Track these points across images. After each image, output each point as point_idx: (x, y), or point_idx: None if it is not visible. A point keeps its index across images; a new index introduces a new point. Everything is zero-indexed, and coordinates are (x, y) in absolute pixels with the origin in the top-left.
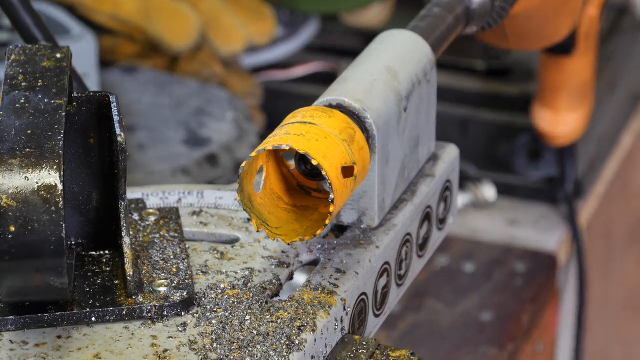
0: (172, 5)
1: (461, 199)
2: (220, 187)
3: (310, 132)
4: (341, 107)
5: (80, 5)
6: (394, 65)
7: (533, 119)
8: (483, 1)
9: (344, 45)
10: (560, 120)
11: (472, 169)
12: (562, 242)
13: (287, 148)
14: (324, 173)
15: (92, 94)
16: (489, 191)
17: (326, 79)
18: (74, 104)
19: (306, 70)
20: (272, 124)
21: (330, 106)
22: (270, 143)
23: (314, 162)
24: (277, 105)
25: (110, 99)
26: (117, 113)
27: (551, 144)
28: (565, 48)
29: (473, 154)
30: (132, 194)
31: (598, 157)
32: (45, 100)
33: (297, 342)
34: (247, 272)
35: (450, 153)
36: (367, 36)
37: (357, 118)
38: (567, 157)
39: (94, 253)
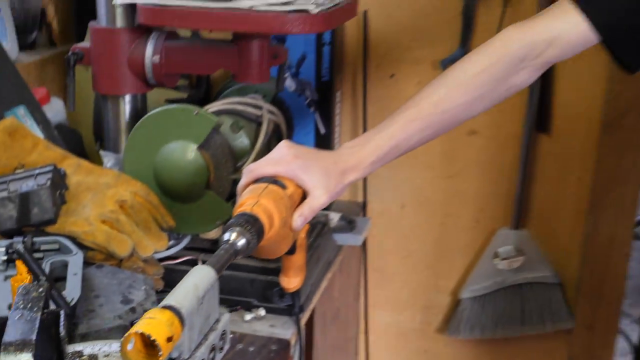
0: (120, 236)
1: None
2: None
3: (154, 318)
4: (170, 307)
5: (77, 236)
6: (198, 282)
7: (281, 282)
8: (244, 246)
9: (202, 246)
10: (291, 280)
11: None
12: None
13: (140, 332)
14: (156, 343)
15: (46, 311)
16: None
17: (194, 263)
18: (44, 312)
19: (185, 258)
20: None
21: (164, 307)
22: (133, 329)
23: (153, 340)
24: (172, 271)
25: (60, 314)
26: (62, 327)
27: (287, 290)
28: (291, 251)
29: None
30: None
31: None
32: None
33: None
34: None
35: (224, 320)
36: (213, 242)
37: (176, 311)
38: (296, 296)
39: None
